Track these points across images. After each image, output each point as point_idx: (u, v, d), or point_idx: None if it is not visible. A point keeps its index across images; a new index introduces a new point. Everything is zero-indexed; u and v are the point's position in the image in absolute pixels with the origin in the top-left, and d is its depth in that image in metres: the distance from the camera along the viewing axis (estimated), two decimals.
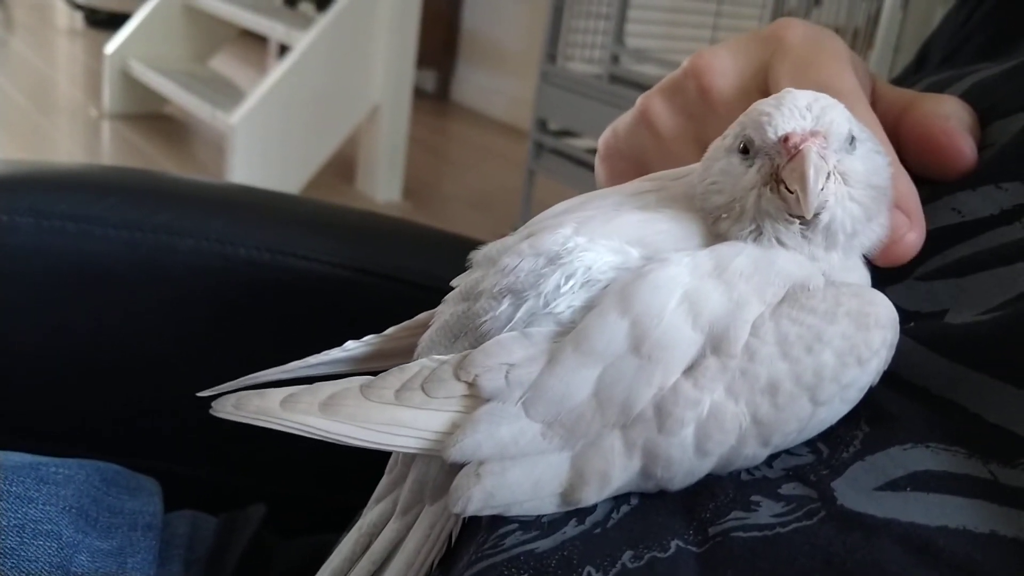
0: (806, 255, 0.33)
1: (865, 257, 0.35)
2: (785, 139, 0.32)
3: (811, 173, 0.31)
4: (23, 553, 0.44)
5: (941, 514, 0.29)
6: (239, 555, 0.54)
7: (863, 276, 0.35)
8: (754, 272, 0.32)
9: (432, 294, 0.38)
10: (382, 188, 2.76)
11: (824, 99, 0.33)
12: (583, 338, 0.32)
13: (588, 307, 0.32)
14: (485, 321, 0.34)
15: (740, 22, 2.25)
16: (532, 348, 0.32)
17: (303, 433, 0.32)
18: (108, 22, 4.35)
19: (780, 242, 0.33)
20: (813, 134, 0.32)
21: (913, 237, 0.36)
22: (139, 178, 0.72)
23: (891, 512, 0.30)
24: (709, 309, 0.31)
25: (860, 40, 1.80)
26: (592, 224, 0.35)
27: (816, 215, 0.32)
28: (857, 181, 0.33)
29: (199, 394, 0.34)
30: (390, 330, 0.40)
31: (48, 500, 0.47)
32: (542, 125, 2.36)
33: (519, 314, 0.33)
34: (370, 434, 0.32)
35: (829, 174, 0.32)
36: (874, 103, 0.41)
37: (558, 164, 2.32)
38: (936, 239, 0.37)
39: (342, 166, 2.86)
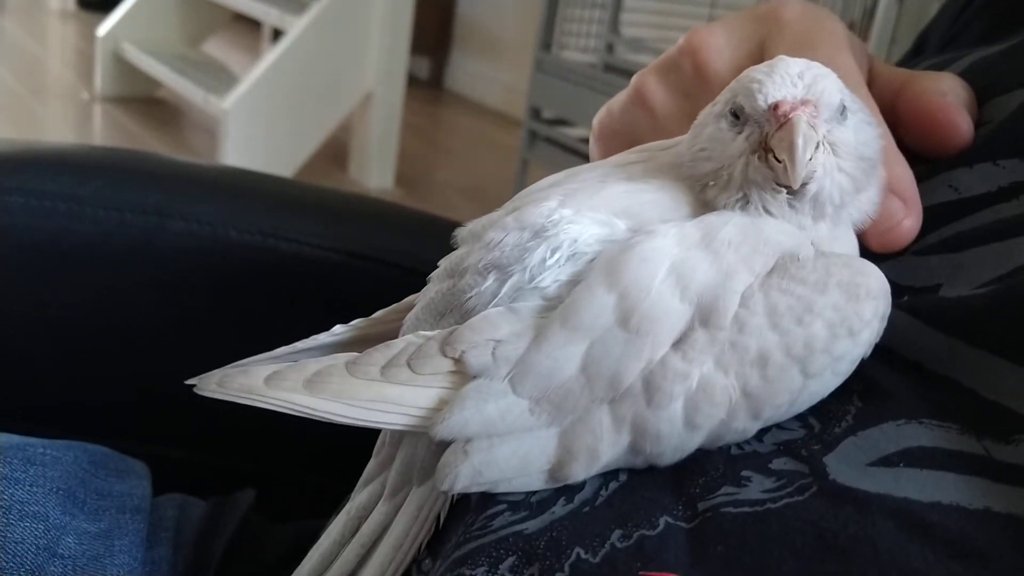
0: (794, 225, 0.32)
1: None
2: (775, 107, 0.32)
3: (799, 142, 0.31)
4: (9, 535, 0.44)
5: (934, 490, 0.29)
6: (228, 539, 0.53)
7: (852, 247, 0.34)
8: (742, 242, 0.31)
9: (422, 278, 0.38)
10: (374, 175, 2.75)
11: (816, 68, 0.33)
12: (570, 313, 0.31)
13: (574, 281, 0.32)
14: (470, 297, 0.34)
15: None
16: (518, 324, 0.32)
17: (288, 411, 0.32)
18: (100, 4, 4.30)
19: (767, 211, 0.32)
20: (804, 103, 0.31)
21: (909, 223, 0.35)
22: (130, 159, 0.71)
23: (884, 488, 0.29)
24: (697, 281, 0.31)
25: (856, 33, 1.79)
26: (578, 196, 0.34)
27: (804, 185, 0.31)
28: (847, 152, 0.32)
29: (187, 382, 0.33)
30: (378, 313, 0.39)
31: (35, 481, 0.46)
32: (536, 114, 2.36)
33: (504, 289, 0.33)
34: (356, 411, 0.32)
35: (818, 144, 0.31)
36: (871, 82, 0.40)
37: (552, 153, 2.31)
38: (932, 216, 0.36)
39: (335, 153, 2.85)
